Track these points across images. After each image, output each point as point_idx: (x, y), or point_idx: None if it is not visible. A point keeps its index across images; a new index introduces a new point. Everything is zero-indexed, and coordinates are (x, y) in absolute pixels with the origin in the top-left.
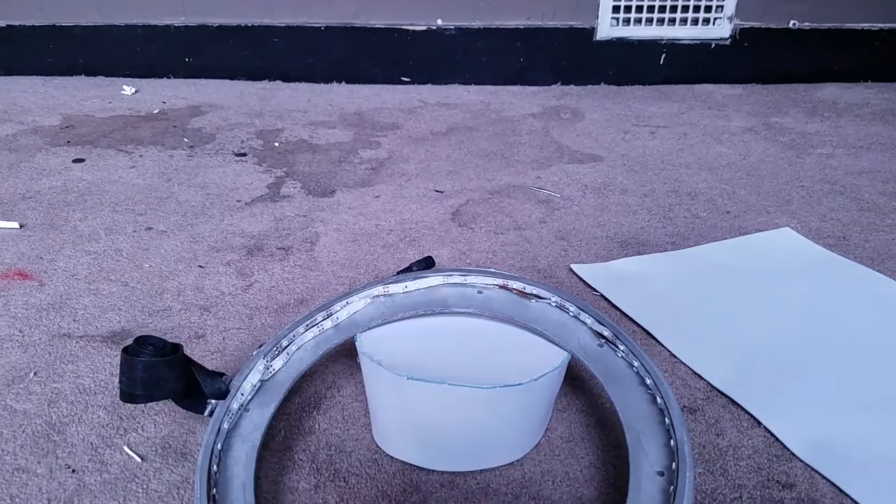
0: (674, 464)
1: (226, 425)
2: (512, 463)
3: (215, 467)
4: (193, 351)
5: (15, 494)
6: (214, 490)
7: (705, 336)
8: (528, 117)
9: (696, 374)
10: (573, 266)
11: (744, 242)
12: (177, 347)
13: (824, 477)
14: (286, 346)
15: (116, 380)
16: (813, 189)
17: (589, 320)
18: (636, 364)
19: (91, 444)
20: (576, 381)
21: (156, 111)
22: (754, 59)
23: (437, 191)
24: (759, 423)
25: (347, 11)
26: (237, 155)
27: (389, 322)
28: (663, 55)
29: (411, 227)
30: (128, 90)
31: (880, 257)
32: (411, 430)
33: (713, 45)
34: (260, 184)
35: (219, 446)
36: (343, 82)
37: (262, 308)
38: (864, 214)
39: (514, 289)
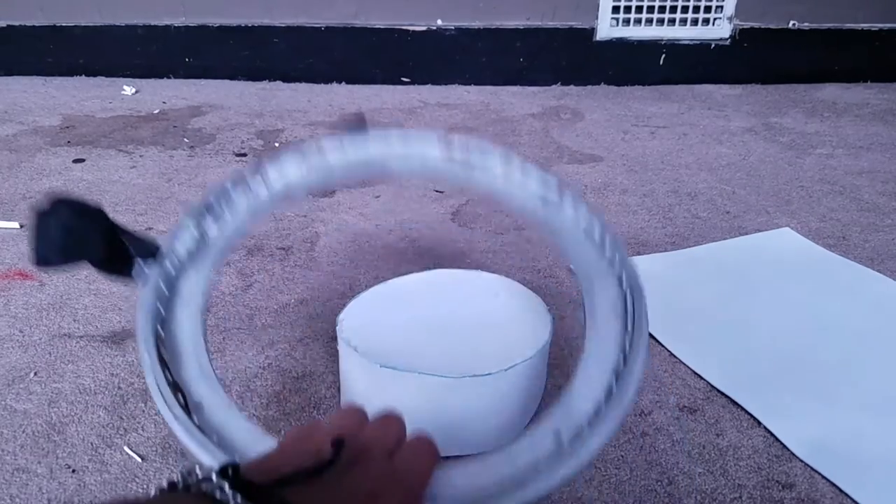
0: (627, 300)
1: (163, 287)
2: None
3: (160, 331)
4: None
5: (15, 494)
6: (164, 353)
7: (705, 336)
8: (527, 117)
9: (696, 374)
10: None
11: (744, 242)
12: (98, 208)
13: (824, 477)
14: (217, 209)
15: (117, 380)
16: (813, 189)
17: (533, 176)
18: (582, 215)
19: (91, 444)
20: None
21: (156, 111)
22: (754, 59)
23: (437, 191)
24: (759, 422)
25: (347, 11)
26: (237, 155)
27: (373, 307)
28: (663, 55)
29: (411, 227)
30: (128, 90)
31: (880, 257)
32: None
33: (713, 46)
34: None
35: (161, 309)
36: (343, 82)
37: (262, 308)
38: (864, 214)
39: (457, 153)
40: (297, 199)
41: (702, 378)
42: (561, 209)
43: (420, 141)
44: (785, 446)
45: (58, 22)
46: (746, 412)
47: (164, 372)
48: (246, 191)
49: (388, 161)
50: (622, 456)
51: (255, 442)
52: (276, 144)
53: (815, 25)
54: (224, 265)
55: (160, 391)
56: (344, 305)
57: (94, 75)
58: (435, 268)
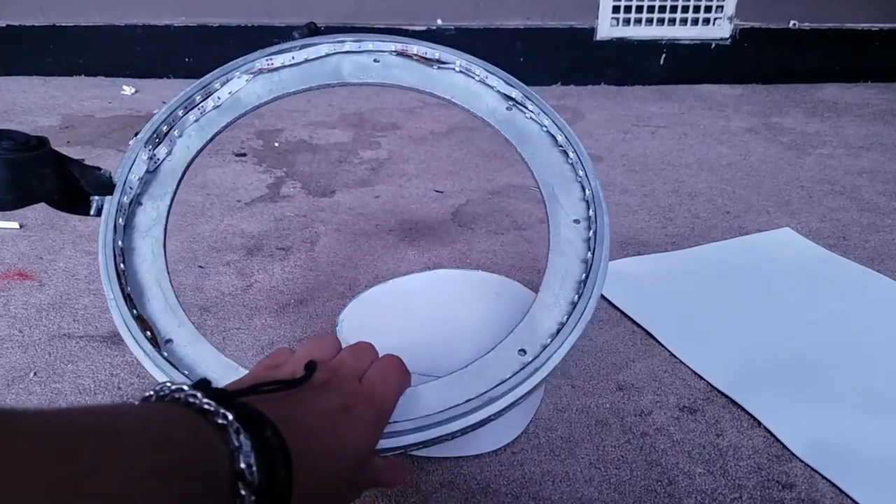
0: (590, 212)
1: (121, 221)
2: (499, 456)
3: (122, 266)
4: None
5: None
6: (129, 289)
7: (705, 336)
8: None
9: (696, 374)
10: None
11: (744, 242)
12: (42, 140)
13: (824, 477)
14: (168, 133)
15: (117, 380)
16: (813, 189)
17: (496, 83)
18: (546, 122)
19: None
20: (575, 380)
21: (156, 111)
22: (754, 59)
23: (437, 191)
24: (760, 423)
25: (347, 11)
26: (237, 155)
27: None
28: (663, 55)
29: (411, 228)
30: (128, 90)
31: (880, 257)
32: None
33: (713, 46)
34: (260, 184)
35: (120, 244)
36: None
37: (261, 308)
38: (865, 215)
39: (415, 54)
40: (247, 111)
41: (702, 378)
42: (525, 110)
43: (375, 40)
44: (785, 446)
45: (58, 22)
46: (746, 412)
47: (129, 308)
48: (193, 109)
49: (340, 63)
50: (622, 456)
51: (228, 373)
52: (276, 144)
53: (815, 25)
54: (224, 265)
55: (127, 327)
56: (344, 305)
57: (94, 75)
58: (435, 268)
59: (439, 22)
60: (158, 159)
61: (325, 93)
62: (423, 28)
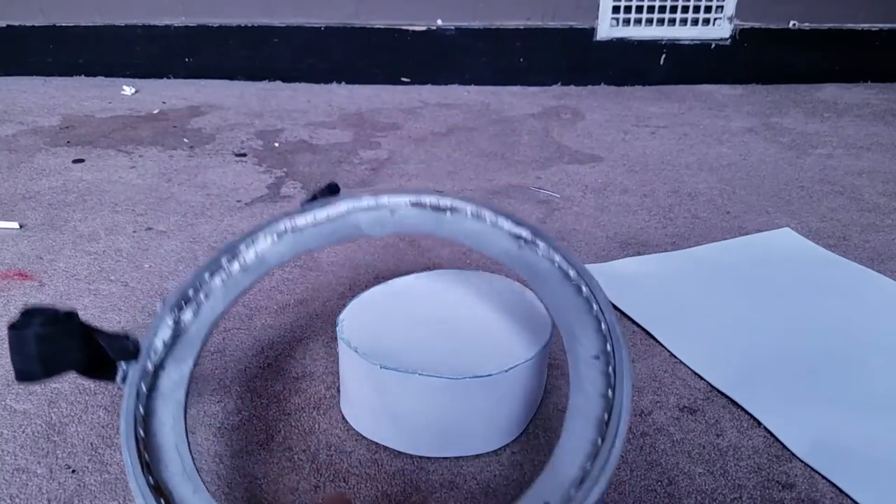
0: (608, 346)
1: (144, 387)
2: (499, 456)
3: (142, 432)
4: None
5: (15, 494)
6: (147, 455)
7: (705, 336)
8: (528, 117)
9: (696, 374)
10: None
11: (744, 243)
12: (70, 314)
13: (824, 477)
14: (194, 296)
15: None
16: (813, 189)
17: (507, 225)
18: (557, 259)
19: (91, 444)
20: None
21: (156, 111)
22: (754, 59)
23: (437, 191)
24: (760, 423)
25: (347, 11)
26: (237, 155)
27: (372, 307)
28: (663, 55)
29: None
30: (127, 90)
31: (880, 257)
32: (384, 414)
33: (713, 46)
34: (260, 184)
35: (141, 410)
36: (343, 82)
37: (262, 308)
38: (864, 215)
39: (428, 204)
40: (272, 269)
41: (702, 378)
42: (536, 249)
43: (390, 195)
44: (785, 446)
45: (58, 22)
46: (746, 412)
47: (145, 475)
48: (219, 271)
49: (359, 219)
50: (622, 456)
51: None
52: (276, 144)
53: (815, 25)
54: None
55: (143, 497)
56: (344, 305)
57: (94, 75)
58: (435, 268)
59: (439, 22)
60: (184, 323)
61: (325, 93)
62: (423, 28)
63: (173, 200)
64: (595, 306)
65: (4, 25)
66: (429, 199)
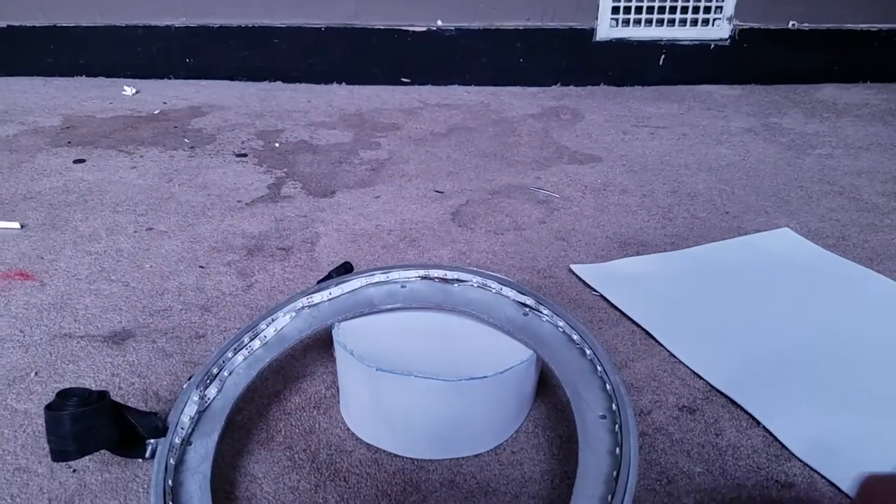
0: (613, 405)
1: (172, 461)
2: (498, 455)
3: None
4: (194, 351)
5: (16, 494)
6: None
7: (705, 336)
8: (527, 118)
9: (695, 374)
10: (573, 266)
11: (743, 242)
12: (103, 394)
13: (823, 476)
14: (218, 373)
15: (118, 380)
16: (812, 189)
17: (511, 293)
18: (561, 324)
19: None
20: None
21: (156, 112)
22: (753, 59)
23: (437, 191)
24: (759, 422)
25: (347, 12)
26: (238, 155)
27: (364, 315)
28: (663, 56)
29: (411, 228)
30: (128, 91)
31: (879, 257)
32: (382, 417)
33: (712, 46)
34: (260, 184)
35: (169, 483)
36: (343, 83)
37: (262, 308)
38: (864, 215)
39: (436, 277)
40: (290, 345)
41: (701, 378)
42: (540, 315)
43: (401, 270)
44: (784, 446)
45: (58, 22)
46: (746, 412)
47: None
48: (242, 349)
49: (372, 294)
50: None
51: None
52: (276, 144)
53: (814, 26)
54: (225, 265)
55: None
56: None
57: (95, 76)
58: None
59: (439, 22)
60: (209, 399)
61: (325, 93)
62: (423, 28)
63: (174, 200)
64: (599, 367)
65: (5, 26)
66: (437, 273)
